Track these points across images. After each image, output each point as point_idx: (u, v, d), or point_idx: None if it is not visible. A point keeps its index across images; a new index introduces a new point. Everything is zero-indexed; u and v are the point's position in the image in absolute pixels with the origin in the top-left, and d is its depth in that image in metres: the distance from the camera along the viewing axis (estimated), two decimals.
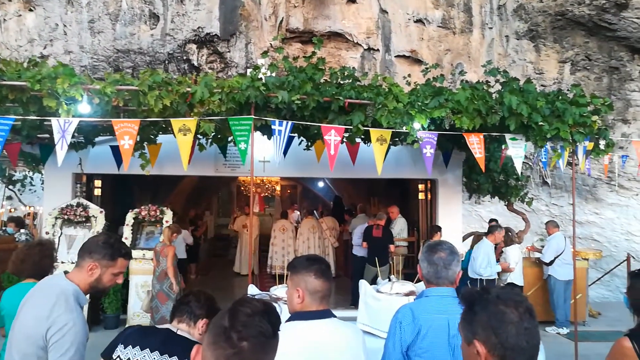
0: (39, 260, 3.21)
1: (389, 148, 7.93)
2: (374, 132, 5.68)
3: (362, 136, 6.17)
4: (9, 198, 11.85)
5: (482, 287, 1.53)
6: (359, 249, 8.91)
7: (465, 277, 7.33)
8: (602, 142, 6.23)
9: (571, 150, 6.00)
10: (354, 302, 8.34)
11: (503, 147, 7.19)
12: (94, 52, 10.96)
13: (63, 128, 4.77)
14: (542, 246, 8.54)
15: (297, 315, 2.03)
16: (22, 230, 7.96)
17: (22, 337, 2.16)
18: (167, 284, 6.54)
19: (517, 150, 5.88)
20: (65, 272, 2.33)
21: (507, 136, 5.92)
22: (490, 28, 11.02)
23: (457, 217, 8.92)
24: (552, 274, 7.97)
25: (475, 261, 7.15)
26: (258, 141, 7.32)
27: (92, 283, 2.29)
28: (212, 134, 6.77)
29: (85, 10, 10.84)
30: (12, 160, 7.79)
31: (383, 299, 4.72)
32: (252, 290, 4.99)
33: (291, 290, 2.09)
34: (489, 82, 6.15)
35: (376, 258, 6.65)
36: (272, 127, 5.29)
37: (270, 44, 11.06)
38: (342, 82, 5.78)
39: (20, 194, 11.72)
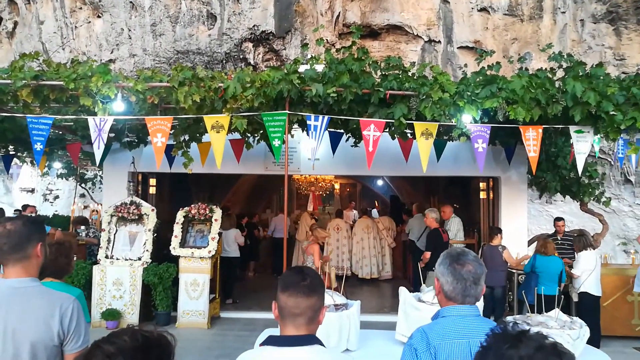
0: (54, 258, 3.26)
1: (444, 144, 7.44)
2: (419, 126, 5.24)
3: (410, 131, 5.76)
4: (82, 196, 12.52)
5: (517, 333, 1.22)
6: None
7: None
8: None
9: None
10: None
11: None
12: (156, 54, 11.28)
13: (99, 126, 4.80)
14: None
15: (270, 340, 1.76)
16: (82, 227, 8.28)
17: (23, 347, 1.92)
18: None
19: (582, 144, 5.18)
20: None
21: (572, 128, 5.26)
22: (563, 12, 10.10)
23: (521, 218, 8.18)
24: None
25: None
26: (306, 139, 7.11)
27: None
28: (261, 132, 6.67)
29: (147, 14, 11.15)
30: (73, 159, 8.18)
31: (423, 308, 4.32)
32: None
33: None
34: (554, 69, 5.50)
35: None
36: (307, 122, 5.02)
37: (326, 39, 10.83)
38: (386, 73, 5.40)
39: (92, 192, 12.38)
